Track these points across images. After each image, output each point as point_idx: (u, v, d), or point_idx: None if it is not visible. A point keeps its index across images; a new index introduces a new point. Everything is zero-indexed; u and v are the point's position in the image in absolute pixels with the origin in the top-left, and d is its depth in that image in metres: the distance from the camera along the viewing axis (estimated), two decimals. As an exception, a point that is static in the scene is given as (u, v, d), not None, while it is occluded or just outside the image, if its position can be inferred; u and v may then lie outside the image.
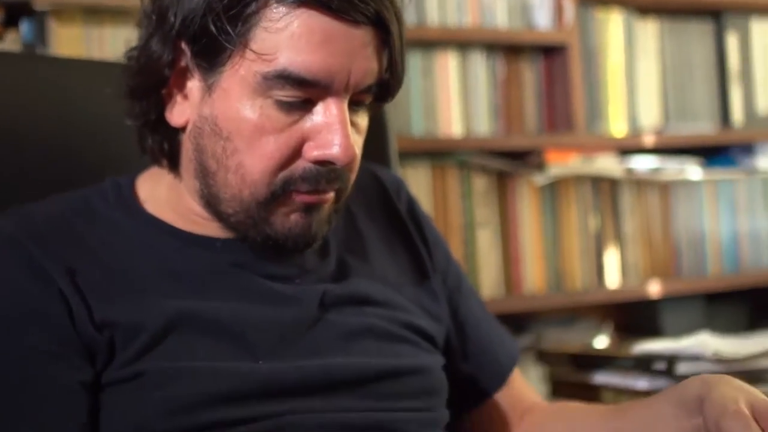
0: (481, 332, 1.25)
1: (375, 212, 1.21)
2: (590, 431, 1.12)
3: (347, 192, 1.04)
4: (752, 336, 1.90)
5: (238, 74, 0.96)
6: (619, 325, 2.34)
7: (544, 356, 1.95)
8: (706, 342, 1.80)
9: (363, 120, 1.03)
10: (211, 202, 1.01)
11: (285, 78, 0.94)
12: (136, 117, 1.05)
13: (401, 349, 1.09)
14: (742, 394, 0.91)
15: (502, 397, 1.24)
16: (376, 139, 1.44)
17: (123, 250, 1.02)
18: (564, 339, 2.09)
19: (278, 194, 0.98)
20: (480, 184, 2.04)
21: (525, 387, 1.28)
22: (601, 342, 2.13)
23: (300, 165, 0.98)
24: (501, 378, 1.24)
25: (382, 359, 1.06)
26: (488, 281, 2.02)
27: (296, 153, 0.98)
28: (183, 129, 1.03)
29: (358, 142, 1.01)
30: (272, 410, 0.97)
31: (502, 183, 2.08)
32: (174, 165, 1.05)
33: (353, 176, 1.04)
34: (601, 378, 1.73)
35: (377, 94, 1.01)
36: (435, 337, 1.15)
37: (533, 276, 2.09)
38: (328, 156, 0.97)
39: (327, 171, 0.98)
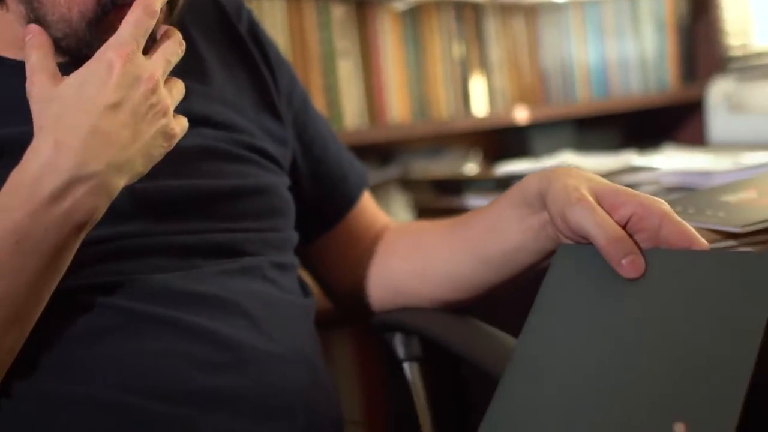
0: (329, 154, 1.23)
1: (215, 36, 1.15)
2: (436, 242, 1.12)
3: (180, 5, 0.98)
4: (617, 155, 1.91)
5: None
6: (488, 153, 2.34)
7: (408, 184, 1.94)
8: (568, 160, 1.81)
9: None
10: None
11: None
12: None
13: (243, 170, 1.06)
14: (583, 182, 0.89)
15: (353, 219, 1.24)
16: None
17: None
18: (432, 168, 2.07)
19: (108, 8, 0.92)
20: (338, 12, 1.97)
21: (376, 210, 1.27)
22: (471, 170, 2.13)
23: None
24: (351, 199, 1.24)
25: (221, 180, 1.03)
26: (351, 112, 1.97)
27: None
28: None
29: None
30: (105, 234, 0.93)
31: (361, 11, 2.02)
32: None
33: None
34: (463, 201, 1.73)
35: None
36: (279, 159, 1.12)
37: (397, 106, 2.05)
38: None
39: None
